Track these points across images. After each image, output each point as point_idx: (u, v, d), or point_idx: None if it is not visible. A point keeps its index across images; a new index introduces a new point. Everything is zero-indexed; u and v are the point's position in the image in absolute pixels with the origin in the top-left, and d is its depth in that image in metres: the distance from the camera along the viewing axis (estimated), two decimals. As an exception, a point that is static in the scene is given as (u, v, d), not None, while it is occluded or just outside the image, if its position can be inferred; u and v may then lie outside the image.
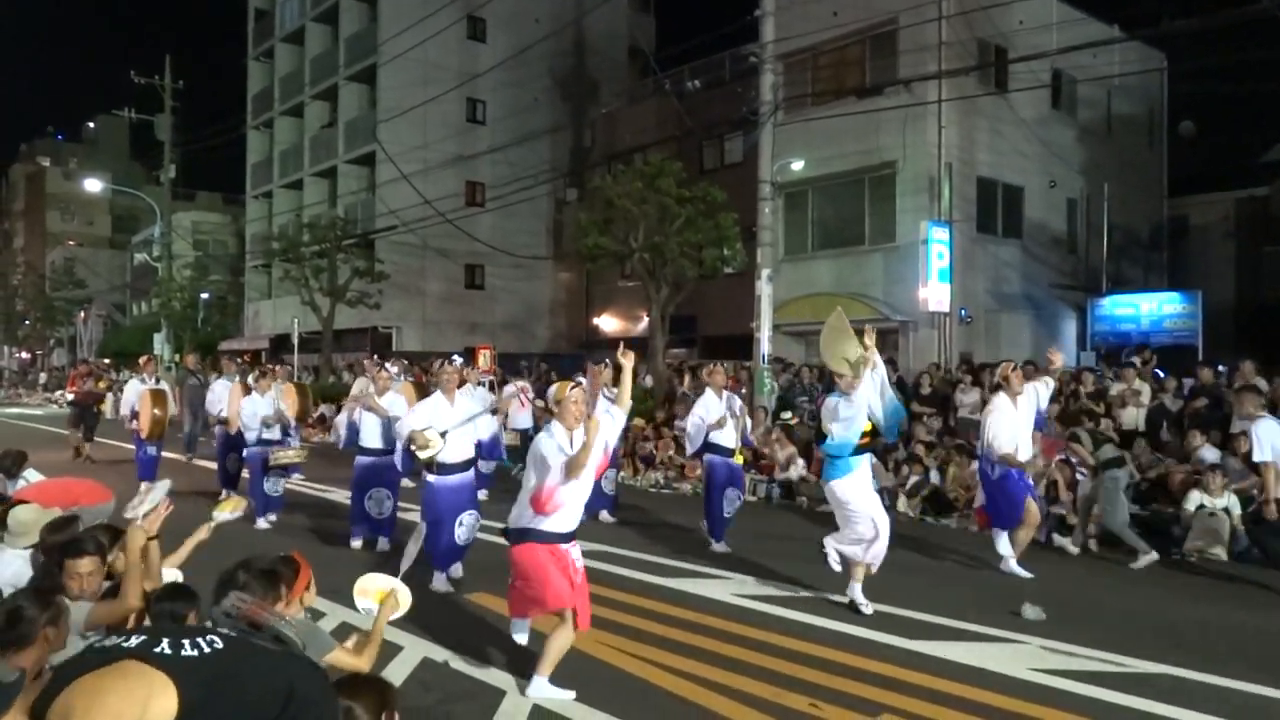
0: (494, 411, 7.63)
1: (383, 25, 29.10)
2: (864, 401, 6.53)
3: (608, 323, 27.81)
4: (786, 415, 13.58)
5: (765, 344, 15.22)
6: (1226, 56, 16.84)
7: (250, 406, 9.83)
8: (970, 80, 18.40)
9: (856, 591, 6.56)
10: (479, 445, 7.79)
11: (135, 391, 13.00)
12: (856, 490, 6.56)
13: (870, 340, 6.66)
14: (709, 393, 9.02)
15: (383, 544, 8.64)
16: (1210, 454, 9.57)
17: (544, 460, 4.64)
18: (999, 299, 20.04)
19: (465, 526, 7.13)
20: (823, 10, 19.37)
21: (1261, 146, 25.98)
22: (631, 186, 17.99)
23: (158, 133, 32.88)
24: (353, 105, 31.63)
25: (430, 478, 7.12)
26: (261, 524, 9.52)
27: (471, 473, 7.42)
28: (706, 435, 8.82)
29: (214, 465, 14.28)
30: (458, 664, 5.34)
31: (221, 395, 11.29)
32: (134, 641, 2.11)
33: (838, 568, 6.70)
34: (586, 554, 8.34)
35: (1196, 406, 10.81)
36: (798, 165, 19.08)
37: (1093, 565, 8.31)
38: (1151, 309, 18.60)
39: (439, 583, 7.12)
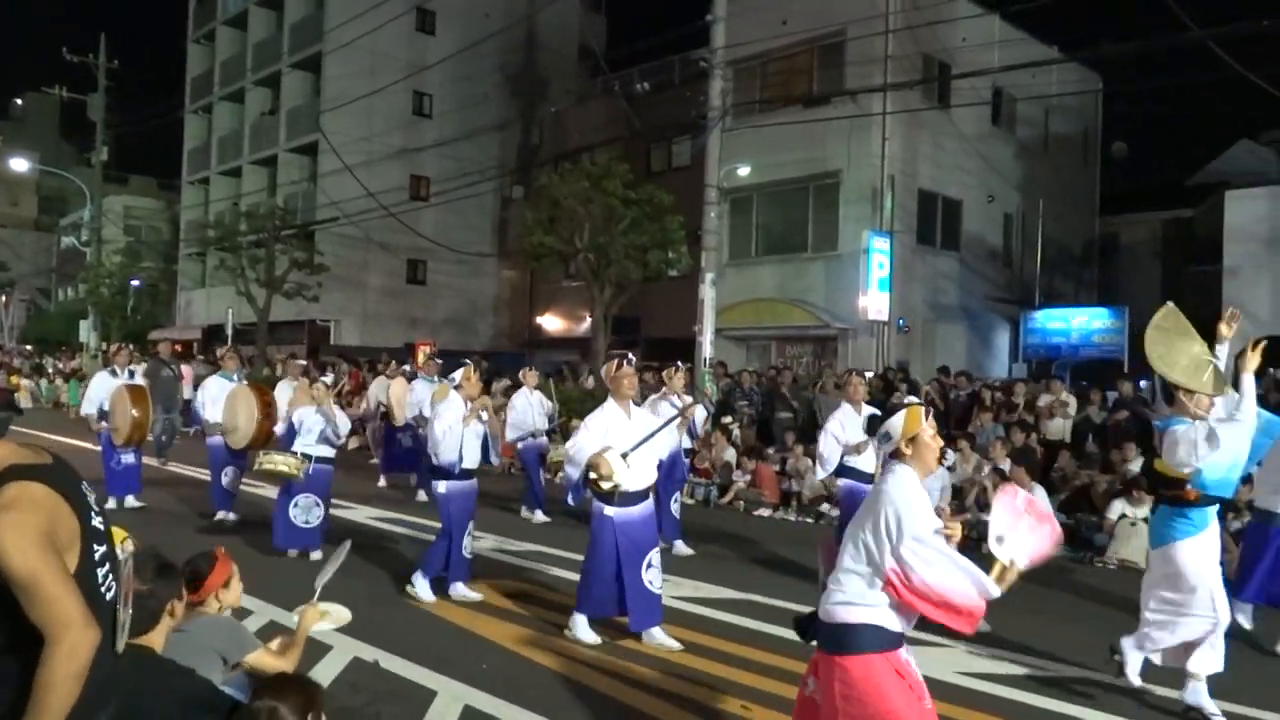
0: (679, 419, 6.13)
1: (329, 13, 28.54)
2: (1251, 419, 4.96)
3: (551, 322, 27.73)
4: (727, 419, 13.74)
5: (707, 347, 15.33)
6: (1160, 81, 17.44)
7: (296, 418, 8.07)
8: (914, 94, 18.72)
9: (1203, 696, 4.81)
10: (658, 465, 6.20)
11: (106, 387, 10.33)
12: (1206, 556, 4.89)
13: (1229, 329, 5.06)
14: (846, 407, 7.61)
15: (462, 591, 6.72)
16: (1134, 465, 9.89)
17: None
18: (936, 309, 20.42)
19: (655, 568, 5.74)
20: (773, 18, 19.54)
21: (1189, 169, 26.91)
22: (578, 186, 17.96)
23: (90, 113, 31.96)
24: (296, 93, 31.00)
25: (609, 511, 5.64)
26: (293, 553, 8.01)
27: (652, 501, 5.91)
28: (842, 458, 7.41)
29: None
30: (388, 664, 5.25)
31: (217, 396, 9.61)
32: None
33: (1138, 682, 5.12)
34: (519, 554, 8.35)
35: (1118, 419, 11.16)
36: (744, 171, 19.26)
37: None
38: (1081, 323, 19.14)
39: (663, 638, 5.75)
